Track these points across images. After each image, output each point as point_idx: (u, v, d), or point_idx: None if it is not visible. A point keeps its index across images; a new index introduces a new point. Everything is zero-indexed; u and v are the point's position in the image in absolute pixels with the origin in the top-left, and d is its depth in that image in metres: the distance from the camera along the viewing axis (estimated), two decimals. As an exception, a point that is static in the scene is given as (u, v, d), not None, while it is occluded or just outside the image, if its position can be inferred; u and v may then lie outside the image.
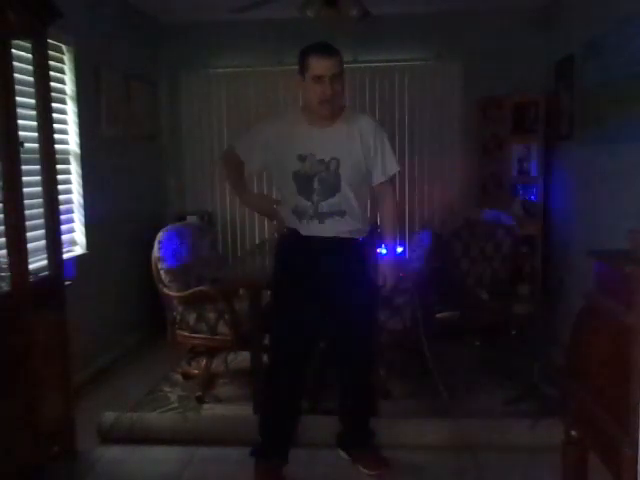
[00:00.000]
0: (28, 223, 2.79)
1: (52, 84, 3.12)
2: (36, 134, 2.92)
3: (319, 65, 2.53)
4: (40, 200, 2.97)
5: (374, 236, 2.91)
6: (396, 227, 2.93)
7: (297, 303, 2.73)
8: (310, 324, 2.75)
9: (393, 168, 2.75)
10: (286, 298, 2.79)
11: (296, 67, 2.65)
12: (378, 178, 2.73)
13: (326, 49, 2.56)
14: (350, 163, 2.65)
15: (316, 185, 2.64)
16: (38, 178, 2.95)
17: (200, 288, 3.73)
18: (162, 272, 3.79)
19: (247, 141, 2.82)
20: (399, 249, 4.06)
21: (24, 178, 2.70)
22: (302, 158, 2.63)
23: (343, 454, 2.99)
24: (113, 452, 3.09)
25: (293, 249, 2.75)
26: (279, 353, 2.84)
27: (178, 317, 3.78)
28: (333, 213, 2.65)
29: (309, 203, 2.65)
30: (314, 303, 2.71)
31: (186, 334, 3.76)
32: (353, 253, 2.73)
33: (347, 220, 2.67)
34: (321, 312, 2.75)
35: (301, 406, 2.92)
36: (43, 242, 3.02)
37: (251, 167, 2.86)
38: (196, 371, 3.97)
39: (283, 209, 2.78)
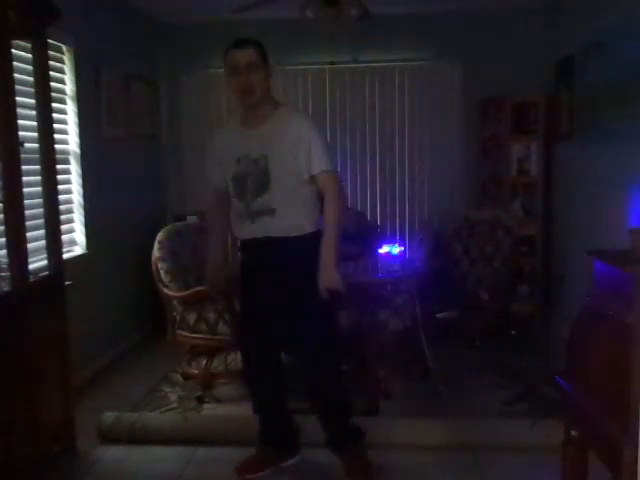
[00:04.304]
0: (28, 223, 2.80)
1: (52, 84, 3.12)
2: (36, 134, 2.92)
3: (233, 56, 2.59)
4: (40, 200, 2.97)
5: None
6: (336, 226, 2.61)
7: (249, 306, 2.85)
8: (263, 324, 2.78)
9: (322, 165, 2.60)
10: (241, 301, 2.92)
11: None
12: (308, 173, 2.61)
13: (239, 41, 2.61)
14: (279, 159, 2.60)
15: (249, 185, 2.65)
16: (38, 178, 2.95)
17: (200, 288, 3.72)
18: (162, 272, 3.79)
19: (209, 171, 2.86)
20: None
21: (24, 178, 2.70)
22: (238, 160, 2.67)
23: (334, 454, 2.93)
24: (113, 452, 3.09)
25: (242, 252, 2.85)
26: (245, 353, 2.99)
27: (178, 317, 3.78)
28: (262, 212, 2.63)
29: (242, 203, 2.68)
30: (263, 304, 2.76)
31: (186, 334, 3.76)
32: (289, 252, 2.65)
33: (278, 218, 2.61)
34: (272, 313, 2.77)
35: (285, 404, 2.92)
36: (43, 242, 3.03)
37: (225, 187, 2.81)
38: (196, 371, 3.97)
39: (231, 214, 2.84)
